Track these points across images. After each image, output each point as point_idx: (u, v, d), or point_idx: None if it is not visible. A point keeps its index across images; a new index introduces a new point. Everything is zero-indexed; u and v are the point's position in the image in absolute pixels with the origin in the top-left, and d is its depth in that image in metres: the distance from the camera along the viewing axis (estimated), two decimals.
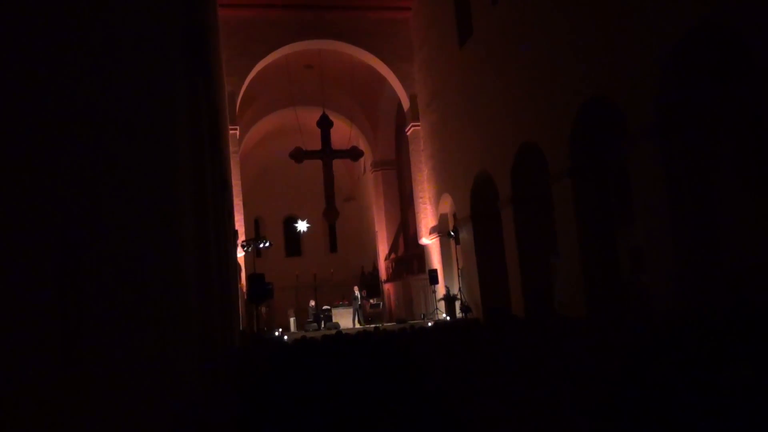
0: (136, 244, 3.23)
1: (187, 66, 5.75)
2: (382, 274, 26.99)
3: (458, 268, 19.67)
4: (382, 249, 27.20)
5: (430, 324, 15.92)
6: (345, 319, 21.40)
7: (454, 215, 19.97)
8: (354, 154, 24.14)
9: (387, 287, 26.60)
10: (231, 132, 20.08)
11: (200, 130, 6.82)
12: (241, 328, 17.06)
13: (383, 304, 25.14)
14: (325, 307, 21.85)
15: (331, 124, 23.56)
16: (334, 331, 14.38)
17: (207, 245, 6.36)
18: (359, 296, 22.07)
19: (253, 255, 21.65)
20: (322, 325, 20.40)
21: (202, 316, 5.65)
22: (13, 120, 1.76)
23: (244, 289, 18.47)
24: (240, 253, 19.64)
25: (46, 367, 2.53)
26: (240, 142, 22.49)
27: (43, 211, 2.36)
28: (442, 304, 19.83)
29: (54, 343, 2.69)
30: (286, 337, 16.61)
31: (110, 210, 3.10)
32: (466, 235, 18.53)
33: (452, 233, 19.61)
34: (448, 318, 18.61)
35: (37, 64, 2.11)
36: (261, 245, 19.79)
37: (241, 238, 19.46)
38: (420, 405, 3.36)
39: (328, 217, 24.41)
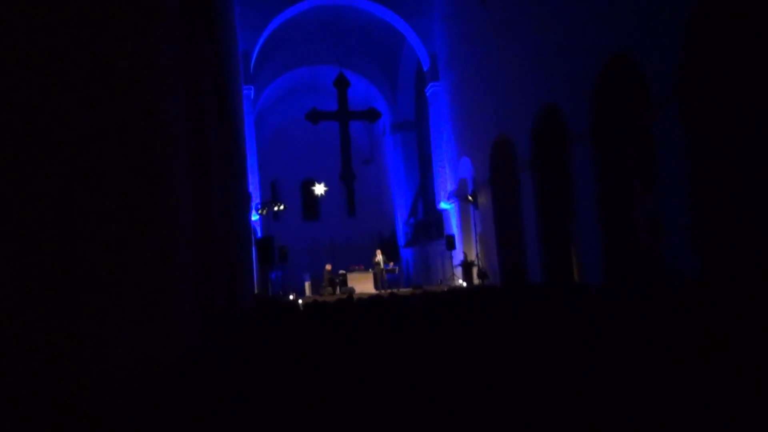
0: (119, 201, 3.36)
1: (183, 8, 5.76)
2: (400, 239, 27.16)
3: (476, 234, 19.72)
4: (401, 213, 27.31)
5: (445, 289, 16.09)
6: (362, 284, 21.51)
7: (474, 179, 19.94)
8: (371, 115, 24.11)
9: (405, 252, 26.77)
10: (245, 92, 20.15)
11: (202, 84, 6.92)
12: (255, 292, 17.42)
13: (401, 269, 25.31)
14: (341, 271, 22.08)
15: (348, 83, 23.49)
16: (346, 295, 14.61)
17: (208, 207, 6.52)
18: (381, 260, 21.83)
19: (269, 219, 21.90)
20: (337, 290, 20.67)
21: (202, 278, 5.84)
22: None
23: None
24: (254, 217, 19.89)
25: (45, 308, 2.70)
26: (255, 102, 22.59)
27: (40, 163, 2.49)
28: (459, 270, 19.95)
29: (51, 286, 2.86)
30: (300, 301, 16.91)
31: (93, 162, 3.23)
32: (484, 199, 18.52)
33: (471, 198, 19.62)
34: (464, 284, 18.75)
35: None
36: (275, 208, 20.01)
37: (256, 200, 19.68)
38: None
39: (345, 180, 24.51)
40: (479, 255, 19.26)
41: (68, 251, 3.18)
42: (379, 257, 21.60)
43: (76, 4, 3.15)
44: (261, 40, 21.15)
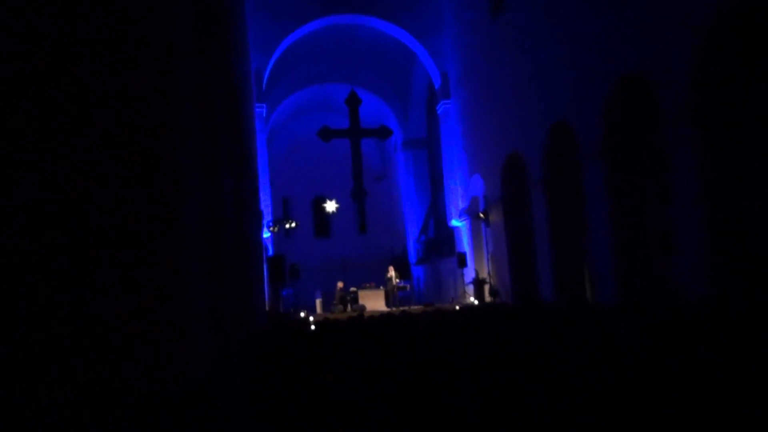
0: (131, 221, 3.37)
1: (195, 20, 5.80)
2: (412, 256, 27.07)
3: (488, 252, 19.64)
4: (412, 231, 27.26)
5: (457, 307, 16.01)
6: (373, 302, 21.44)
7: (485, 197, 19.89)
8: (383, 132, 24.18)
9: (416, 270, 26.67)
10: (257, 110, 20.29)
11: (215, 103, 6.96)
12: (267, 309, 17.41)
13: (412, 287, 25.21)
14: (352, 289, 22.03)
15: (359, 101, 23.59)
16: (357, 313, 14.59)
17: (220, 224, 6.53)
18: (394, 276, 21.71)
19: (281, 236, 21.94)
20: (348, 308, 20.62)
21: (212, 295, 5.83)
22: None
23: None
24: (266, 234, 19.92)
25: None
26: (267, 120, 22.73)
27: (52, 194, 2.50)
28: (471, 288, 19.85)
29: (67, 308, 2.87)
30: (312, 319, 16.87)
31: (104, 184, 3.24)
32: (496, 217, 18.46)
33: (482, 215, 19.56)
34: (476, 302, 18.64)
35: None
36: (287, 226, 20.03)
37: (267, 218, 19.73)
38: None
39: (356, 197, 24.55)
40: (491, 272, 19.16)
41: (81, 265, 3.19)
42: (392, 273, 21.53)
43: (103, 35, 3.19)
44: (273, 59, 21.32)
